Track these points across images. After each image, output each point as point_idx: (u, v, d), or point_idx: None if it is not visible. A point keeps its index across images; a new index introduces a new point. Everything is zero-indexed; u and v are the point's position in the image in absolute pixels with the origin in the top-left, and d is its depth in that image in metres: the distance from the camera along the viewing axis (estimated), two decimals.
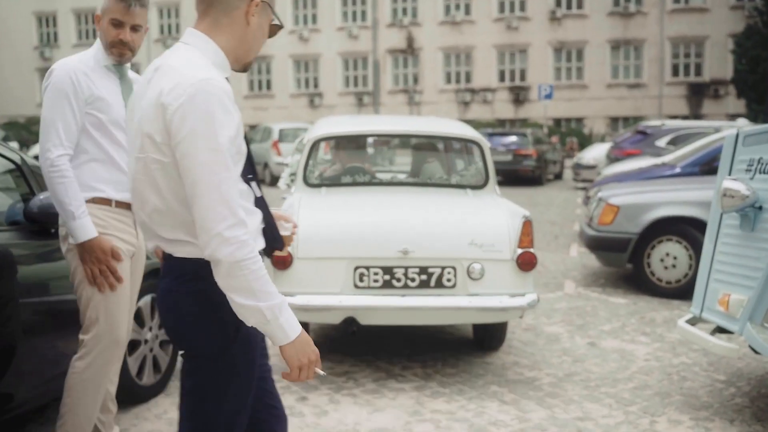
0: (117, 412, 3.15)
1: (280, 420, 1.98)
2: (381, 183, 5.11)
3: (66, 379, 2.76)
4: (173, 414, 3.57)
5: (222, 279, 1.63)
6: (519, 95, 33.12)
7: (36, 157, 3.08)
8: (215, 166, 1.60)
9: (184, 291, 1.72)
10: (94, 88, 2.70)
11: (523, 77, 33.30)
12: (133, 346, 3.50)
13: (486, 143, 4.84)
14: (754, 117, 24.00)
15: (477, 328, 4.69)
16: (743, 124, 13.56)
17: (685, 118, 28.82)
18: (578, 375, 4.24)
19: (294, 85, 35.69)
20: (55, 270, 3.03)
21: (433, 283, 3.97)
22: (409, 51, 34.19)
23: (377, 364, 4.39)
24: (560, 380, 4.15)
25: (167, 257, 1.77)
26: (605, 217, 6.35)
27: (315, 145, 4.80)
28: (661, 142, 13.14)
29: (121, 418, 3.44)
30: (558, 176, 20.65)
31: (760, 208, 3.46)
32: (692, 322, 3.86)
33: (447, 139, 5.23)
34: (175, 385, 3.92)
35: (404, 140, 5.84)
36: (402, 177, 5.64)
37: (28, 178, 3.13)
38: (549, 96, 25.95)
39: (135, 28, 2.75)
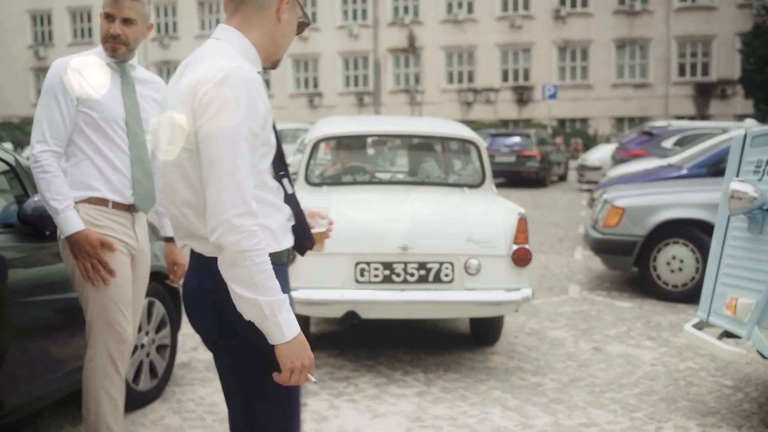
0: None
1: None
2: (381, 182, 5.25)
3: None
4: (170, 420, 3.53)
5: (225, 267, 1.62)
6: (522, 95, 33.03)
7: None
8: (234, 151, 1.60)
9: (226, 289, 1.66)
10: (86, 86, 2.69)
11: (526, 77, 33.22)
12: None
13: (482, 143, 5.01)
14: (762, 117, 23.92)
15: (474, 323, 4.81)
16: (751, 124, 13.49)
17: (691, 118, 28.65)
18: (583, 380, 4.20)
19: (293, 85, 35.64)
20: (49, 273, 2.99)
21: (431, 278, 4.12)
22: (411, 50, 34.11)
23: (378, 369, 4.34)
24: (565, 386, 4.10)
25: (198, 256, 1.76)
26: (610, 220, 6.30)
27: (316, 146, 4.94)
28: (668, 143, 13.04)
29: None
30: (562, 178, 20.57)
31: None
32: (699, 326, 3.83)
33: (445, 140, 5.41)
34: (171, 391, 3.88)
35: (403, 140, 6.08)
36: (401, 176, 5.80)
37: (22, 180, 3.10)
38: (553, 96, 25.90)
39: (127, 22, 2.72)
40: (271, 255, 1.66)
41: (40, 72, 36.83)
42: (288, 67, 35.17)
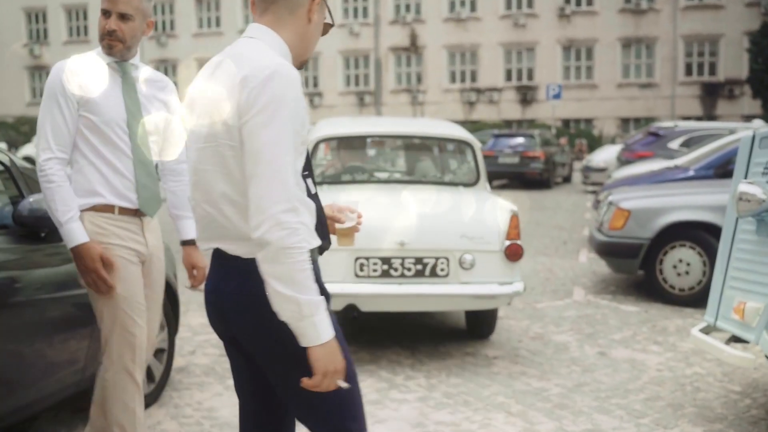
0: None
1: None
2: (379, 181, 5.45)
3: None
4: (168, 425, 3.50)
5: (267, 263, 1.61)
6: (526, 95, 32.94)
7: (25, 158, 3.00)
8: (281, 148, 1.61)
9: (263, 291, 1.66)
10: (85, 88, 2.64)
11: (530, 76, 33.12)
12: None
13: (477, 144, 5.25)
14: None
15: (469, 316, 5.03)
16: (759, 125, 13.36)
17: (698, 119, 28.56)
18: (588, 385, 4.15)
19: None
20: (44, 275, 2.95)
21: (427, 272, 4.32)
22: (413, 49, 33.97)
23: (379, 373, 4.31)
24: (569, 391, 4.06)
25: (229, 258, 1.74)
26: (616, 222, 6.25)
27: (316, 146, 5.16)
28: (674, 144, 12.97)
29: None
30: (567, 179, 20.45)
31: None
32: (706, 330, 3.80)
33: (441, 140, 5.65)
34: (169, 395, 3.83)
35: (401, 141, 6.29)
36: (399, 175, 5.96)
37: (17, 180, 3.06)
38: (557, 96, 25.80)
39: (123, 18, 2.66)
40: None
41: (35, 71, 36.85)
42: None
